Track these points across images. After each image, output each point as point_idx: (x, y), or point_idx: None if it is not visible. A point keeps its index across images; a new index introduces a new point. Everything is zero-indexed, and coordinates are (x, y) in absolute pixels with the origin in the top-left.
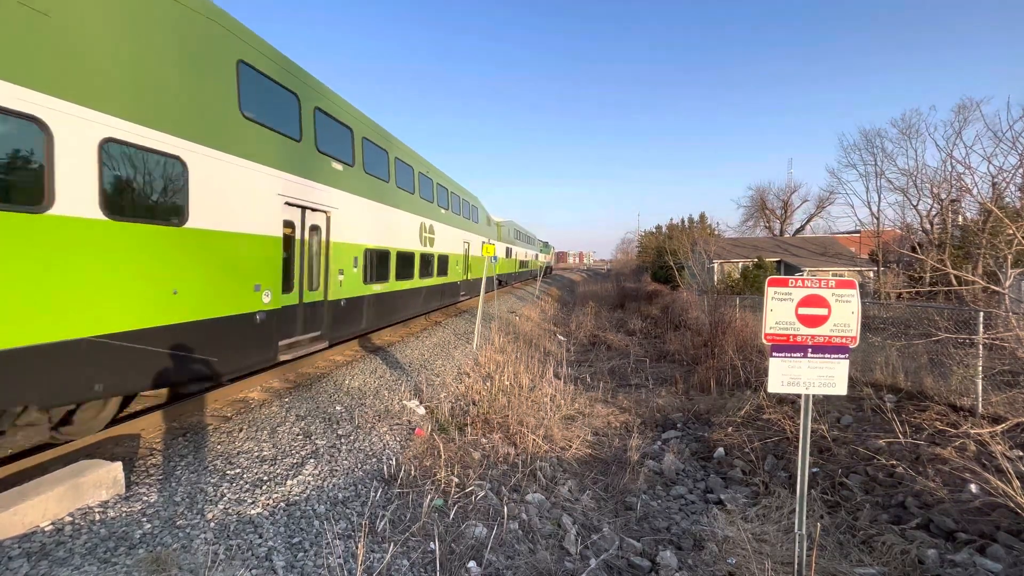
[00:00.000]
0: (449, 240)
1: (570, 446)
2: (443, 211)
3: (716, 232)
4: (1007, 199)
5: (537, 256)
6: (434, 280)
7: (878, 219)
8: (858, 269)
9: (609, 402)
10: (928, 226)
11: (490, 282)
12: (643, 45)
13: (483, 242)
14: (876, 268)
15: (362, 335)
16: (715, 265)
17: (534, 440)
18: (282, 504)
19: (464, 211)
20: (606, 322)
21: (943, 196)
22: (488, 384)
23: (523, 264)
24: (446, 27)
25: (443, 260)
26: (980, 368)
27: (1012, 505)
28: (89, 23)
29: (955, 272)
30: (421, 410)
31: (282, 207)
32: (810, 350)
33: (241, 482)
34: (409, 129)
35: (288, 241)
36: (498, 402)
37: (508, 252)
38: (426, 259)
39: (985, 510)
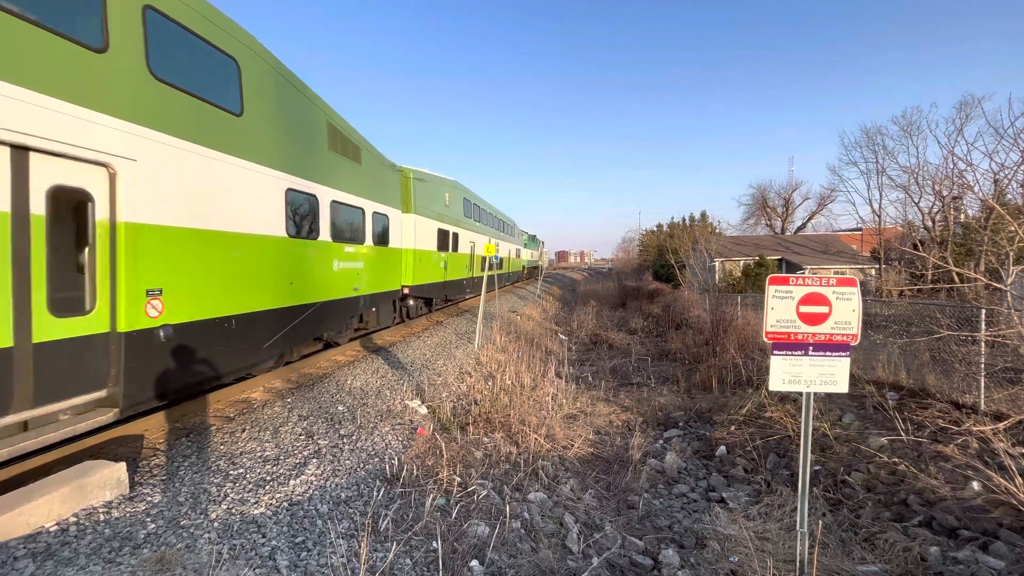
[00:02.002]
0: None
1: (572, 445)
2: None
3: (717, 230)
4: (1009, 196)
5: (519, 252)
6: None
7: (880, 216)
8: (860, 267)
9: (611, 401)
10: (930, 223)
11: (384, 303)
12: (643, 45)
13: (336, 202)
14: (878, 266)
15: None
16: (716, 263)
17: (536, 439)
18: (285, 504)
19: (208, 89)
20: (607, 321)
21: (945, 193)
22: (490, 383)
23: (490, 266)
24: (446, 29)
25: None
26: (982, 365)
27: (1015, 502)
28: None
29: (957, 269)
30: (423, 409)
31: None
32: (811, 348)
33: (244, 482)
34: (414, 130)
35: None
36: (500, 401)
37: (449, 240)
38: None
39: (987, 507)
